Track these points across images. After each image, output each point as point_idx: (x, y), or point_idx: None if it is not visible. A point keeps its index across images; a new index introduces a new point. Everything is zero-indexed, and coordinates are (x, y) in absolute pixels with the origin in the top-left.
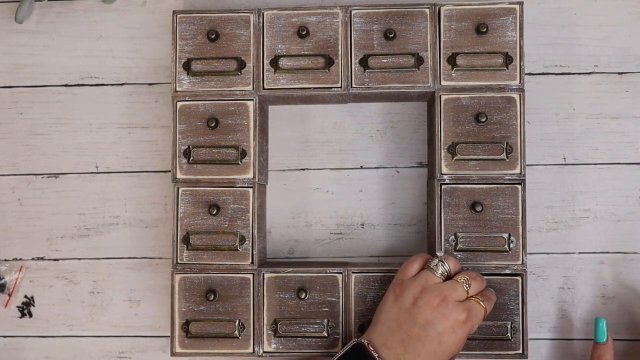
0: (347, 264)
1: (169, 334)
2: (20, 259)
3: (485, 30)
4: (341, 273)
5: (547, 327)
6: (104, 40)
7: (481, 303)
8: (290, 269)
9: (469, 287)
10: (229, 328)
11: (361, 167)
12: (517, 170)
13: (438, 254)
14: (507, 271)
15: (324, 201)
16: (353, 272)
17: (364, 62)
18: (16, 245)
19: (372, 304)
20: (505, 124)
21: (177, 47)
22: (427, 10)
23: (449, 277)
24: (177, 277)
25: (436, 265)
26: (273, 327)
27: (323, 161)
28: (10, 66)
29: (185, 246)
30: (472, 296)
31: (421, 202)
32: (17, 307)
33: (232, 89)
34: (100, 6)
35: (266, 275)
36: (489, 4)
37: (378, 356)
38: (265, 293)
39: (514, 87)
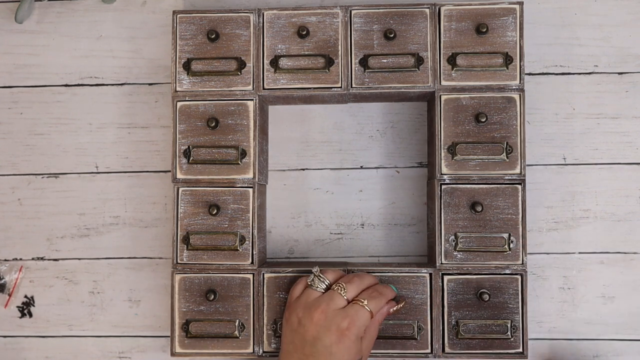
0: (347, 264)
1: (169, 334)
2: (20, 259)
3: (485, 30)
4: None
5: (546, 327)
6: (104, 40)
7: (363, 304)
8: (290, 269)
9: (345, 291)
10: (229, 328)
11: (361, 167)
12: (517, 170)
13: (313, 270)
14: (507, 271)
15: (324, 201)
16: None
17: (364, 62)
18: (16, 245)
19: None
20: (505, 124)
21: (177, 47)
22: (427, 10)
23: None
24: (177, 277)
25: (312, 280)
26: (273, 327)
27: (323, 161)
28: (10, 66)
29: (185, 246)
30: (355, 300)
31: (421, 202)
32: (17, 307)
33: (232, 89)
34: (100, 6)
35: (266, 275)
36: (489, 4)
37: None
38: (265, 293)
39: (514, 87)
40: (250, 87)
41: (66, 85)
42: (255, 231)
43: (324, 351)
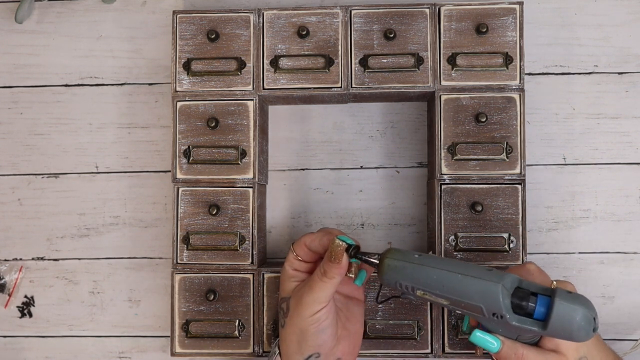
0: None
1: (169, 334)
2: (20, 259)
3: (485, 30)
4: None
5: None
6: (104, 40)
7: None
8: None
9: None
10: (229, 328)
11: (361, 167)
12: (517, 170)
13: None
14: None
15: (324, 201)
16: None
17: (364, 62)
18: (16, 245)
19: (371, 304)
20: (505, 124)
21: (177, 47)
22: (427, 10)
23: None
24: (177, 277)
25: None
26: (273, 327)
27: (323, 161)
28: (10, 66)
29: (185, 246)
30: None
31: (421, 202)
32: (17, 307)
33: (232, 89)
34: (100, 6)
35: (266, 275)
36: (489, 4)
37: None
38: (265, 293)
39: (514, 87)
40: (250, 87)
41: (66, 85)
42: (255, 231)
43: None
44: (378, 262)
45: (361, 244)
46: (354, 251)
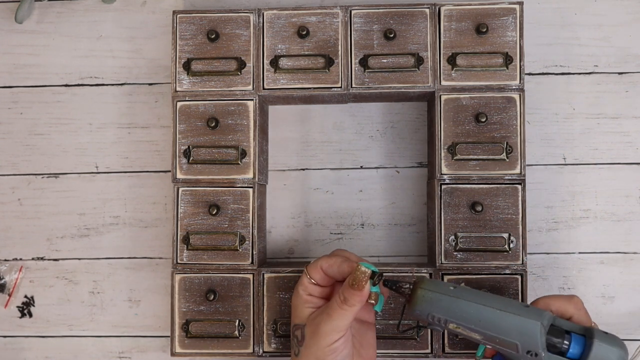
0: None
1: (169, 334)
2: (20, 259)
3: (485, 30)
4: None
5: None
6: (104, 40)
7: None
8: (290, 269)
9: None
10: (229, 328)
11: (361, 167)
12: (517, 170)
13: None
14: (507, 271)
15: (324, 201)
16: None
17: (364, 62)
18: (16, 245)
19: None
20: (505, 124)
21: (177, 47)
22: (427, 10)
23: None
24: (177, 277)
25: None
26: (273, 327)
27: (323, 161)
28: (10, 66)
29: (185, 246)
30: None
31: (421, 202)
32: (17, 307)
33: (232, 89)
34: (100, 6)
35: (266, 275)
36: (489, 4)
37: None
38: (265, 293)
39: (514, 87)
40: (250, 87)
41: (66, 85)
42: (255, 231)
43: None
44: (410, 292)
45: (361, 244)
46: (378, 279)
